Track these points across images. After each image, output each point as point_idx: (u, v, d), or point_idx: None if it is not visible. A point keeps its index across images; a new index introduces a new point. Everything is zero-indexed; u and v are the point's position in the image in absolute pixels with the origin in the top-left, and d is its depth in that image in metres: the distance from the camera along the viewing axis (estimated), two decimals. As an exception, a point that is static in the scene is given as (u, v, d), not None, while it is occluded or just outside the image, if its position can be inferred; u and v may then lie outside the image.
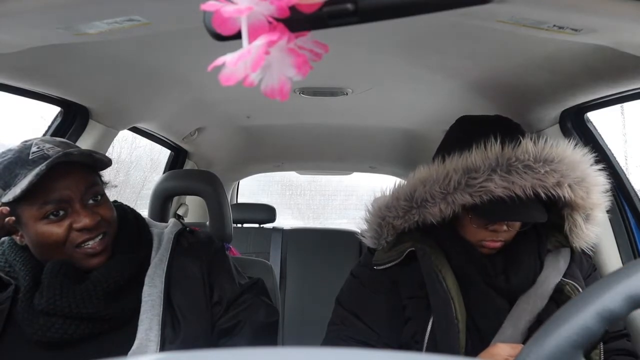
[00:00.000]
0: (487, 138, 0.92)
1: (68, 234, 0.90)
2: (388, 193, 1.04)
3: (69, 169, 0.91)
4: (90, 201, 0.94)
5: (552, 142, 0.92)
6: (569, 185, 0.91)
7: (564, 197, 0.91)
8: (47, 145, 0.92)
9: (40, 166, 0.86)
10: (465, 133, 1.01)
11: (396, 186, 1.03)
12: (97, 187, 0.96)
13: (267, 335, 1.04)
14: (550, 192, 0.90)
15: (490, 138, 0.92)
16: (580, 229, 0.98)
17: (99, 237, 0.93)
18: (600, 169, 0.95)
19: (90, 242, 0.92)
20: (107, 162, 0.97)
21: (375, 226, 1.04)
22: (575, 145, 0.94)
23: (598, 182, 0.95)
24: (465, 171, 0.92)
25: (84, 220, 0.90)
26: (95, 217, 0.92)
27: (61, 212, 0.90)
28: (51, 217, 0.89)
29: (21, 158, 0.89)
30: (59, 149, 0.92)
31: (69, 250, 0.91)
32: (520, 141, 0.93)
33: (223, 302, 1.03)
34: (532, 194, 0.89)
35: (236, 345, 0.98)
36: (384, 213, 1.02)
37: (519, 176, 0.88)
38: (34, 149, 0.90)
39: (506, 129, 0.97)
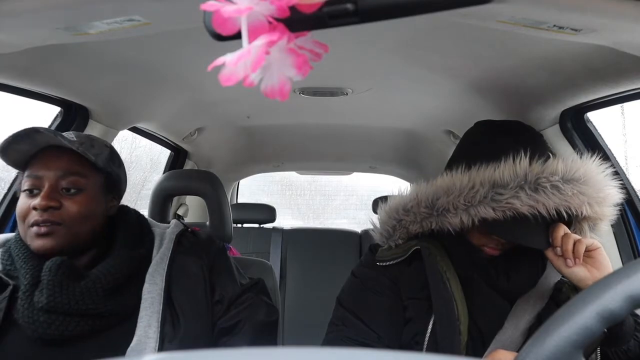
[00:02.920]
0: (516, 151, 0.90)
1: (29, 211, 0.93)
2: (405, 193, 1.01)
3: (58, 153, 0.95)
4: (64, 190, 0.94)
5: (579, 159, 0.90)
6: (589, 203, 0.89)
7: (581, 213, 0.90)
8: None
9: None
10: (491, 142, 0.98)
11: (417, 188, 0.99)
12: (76, 178, 0.95)
13: (267, 335, 1.04)
14: (572, 211, 0.88)
15: (519, 151, 0.89)
16: (584, 235, 0.98)
17: (48, 225, 0.92)
18: (618, 186, 0.93)
19: (40, 224, 0.92)
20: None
21: (389, 227, 1.03)
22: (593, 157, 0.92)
23: (615, 198, 0.93)
24: (492, 185, 0.89)
25: (38, 200, 0.91)
26: (51, 202, 0.91)
27: (35, 190, 0.94)
28: (27, 191, 0.94)
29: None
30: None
31: (25, 228, 0.93)
32: (549, 156, 0.91)
33: (224, 302, 1.03)
34: (555, 213, 0.87)
35: (236, 344, 0.98)
36: (401, 216, 1.00)
37: (545, 196, 0.86)
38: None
39: (534, 142, 0.95)
